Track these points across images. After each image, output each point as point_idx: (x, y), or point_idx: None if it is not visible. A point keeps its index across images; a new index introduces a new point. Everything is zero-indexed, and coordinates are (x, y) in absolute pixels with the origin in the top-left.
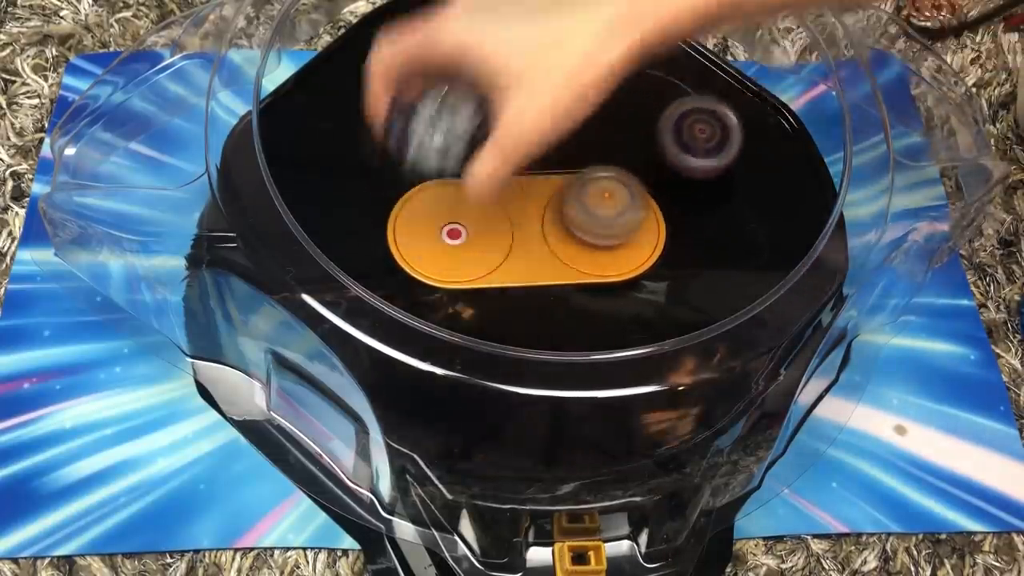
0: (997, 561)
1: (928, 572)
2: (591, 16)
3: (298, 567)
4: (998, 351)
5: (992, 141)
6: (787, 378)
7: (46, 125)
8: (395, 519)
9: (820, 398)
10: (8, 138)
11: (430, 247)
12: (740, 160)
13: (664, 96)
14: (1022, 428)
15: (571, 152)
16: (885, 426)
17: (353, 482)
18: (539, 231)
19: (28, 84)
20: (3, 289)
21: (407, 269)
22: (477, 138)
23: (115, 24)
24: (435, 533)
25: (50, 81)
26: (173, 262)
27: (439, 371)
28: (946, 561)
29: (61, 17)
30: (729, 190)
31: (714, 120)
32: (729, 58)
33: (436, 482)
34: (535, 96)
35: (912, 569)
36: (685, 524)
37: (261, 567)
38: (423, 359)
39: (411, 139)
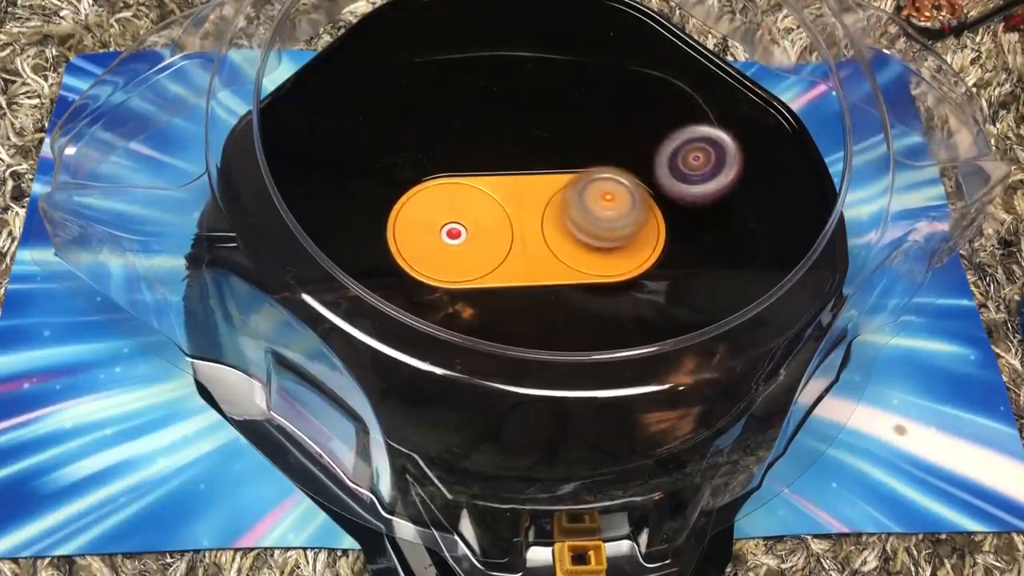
0: (997, 561)
1: (928, 572)
2: None
3: (298, 567)
4: (998, 351)
5: (992, 141)
6: (787, 378)
7: (46, 125)
8: (395, 519)
9: (820, 398)
10: (8, 138)
11: (430, 247)
12: (741, 177)
13: (664, 96)
14: (1022, 428)
15: (571, 152)
16: (885, 426)
17: (353, 482)
18: (539, 231)
19: (28, 84)
20: (3, 289)
21: (407, 269)
22: None
23: (115, 24)
24: (435, 533)
25: (50, 81)
26: (173, 262)
27: (439, 371)
28: (946, 561)
29: (61, 17)
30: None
31: (709, 145)
32: (729, 58)
33: (436, 482)
34: None
35: (912, 569)
36: (685, 524)
37: (261, 567)
38: (423, 359)
39: None
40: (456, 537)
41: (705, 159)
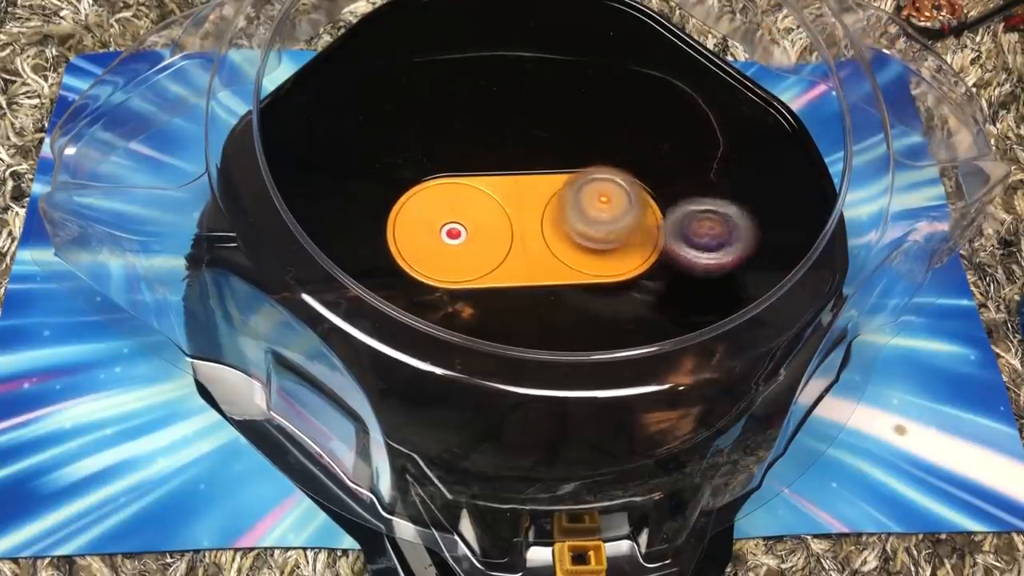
0: (997, 561)
1: (928, 572)
2: None
3: (298, 567)
4: (998, 351)
5: (992, 141)
6: (787, 378)
7: (46, 125)
8: (395, 519)
9: (820, 398)
10: (8, 138)
11: (430, 247)
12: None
13: (664, 96)
14: (1022, 428)
15: (571, 152)
16: (885, 426)
17: (353, 482)
18: (539, 231)
19: (28, 84)
20: (3, 289)
21: (407, 269)
22: None
23: (115, 24)
24: (435, 533)
25: (50, 81)
26: (173, 262)
27: (439, 371)
28: (946, 561)
29: (61, 17)
30: (729, 191)
31: (720, 217)
32: (729, 58)
33: (436, 482)
34: None
35: (912, 569)
36: (685, 524)
37: (261, 567)
38: (423, 359)
39: None
40: (456, 537)
41: (719, 230)
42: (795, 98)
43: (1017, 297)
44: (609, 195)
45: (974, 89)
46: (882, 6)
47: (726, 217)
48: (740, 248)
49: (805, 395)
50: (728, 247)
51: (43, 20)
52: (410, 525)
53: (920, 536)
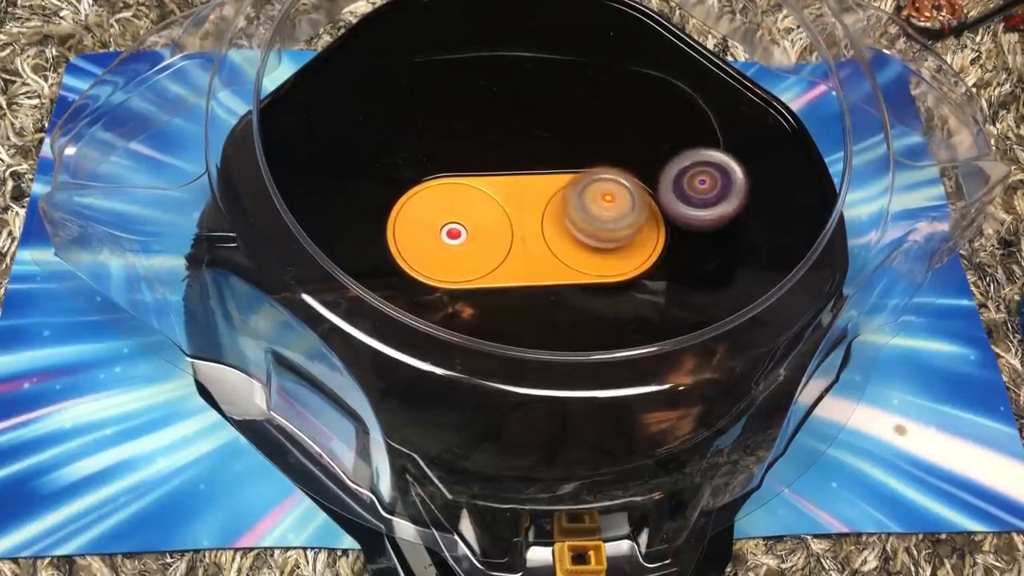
0: (997, 561)
1: (928, 572)
2: None
3: (298, 567)
4: (998, 351)
5: (992, 141)
6: (787, 378)
7: (46, 125)
8: (395, 519)
9: (820, 398)
10: (8, 138)
11: (430, 247)
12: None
13: (664, 96)
14: (1022, 428)
15: (571, 152)
16: (885, 426)
17: (353, 482)
18: (539, 231)
19: (28, 84)
20: (3, 289)
21: (407, 269)
22: None
23: (115, 24)
24: (435, 533)
25: (50, 81)
26: (173, 262)
27: (439, 371)
28: (946, 561)
29: (61, 17)
30: None
31: (716, 171)
32: (729, 58)
33: (436, 482)
34: None
35: (912, 569)
36: (685, 524)
37: (261, 567)
38: (423, 359)
39: None
40: (456, 537)
41: (712, 184)
42: (795, 98)
43: (1017, 297)
44: (613, 195)
45: (974, 89)
46: (882, 6)
47: (720, 169)
48: (737, 199)
49: (805, 395)
50: (724, 201)
51: (43, 20)
52: (410, 525)
53: (920, 536)
